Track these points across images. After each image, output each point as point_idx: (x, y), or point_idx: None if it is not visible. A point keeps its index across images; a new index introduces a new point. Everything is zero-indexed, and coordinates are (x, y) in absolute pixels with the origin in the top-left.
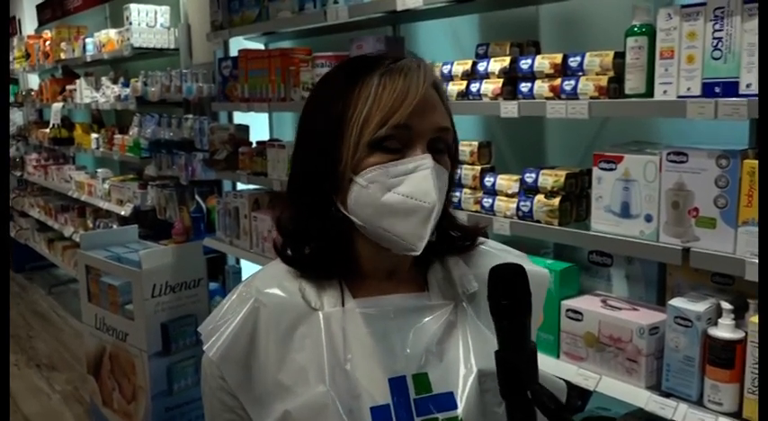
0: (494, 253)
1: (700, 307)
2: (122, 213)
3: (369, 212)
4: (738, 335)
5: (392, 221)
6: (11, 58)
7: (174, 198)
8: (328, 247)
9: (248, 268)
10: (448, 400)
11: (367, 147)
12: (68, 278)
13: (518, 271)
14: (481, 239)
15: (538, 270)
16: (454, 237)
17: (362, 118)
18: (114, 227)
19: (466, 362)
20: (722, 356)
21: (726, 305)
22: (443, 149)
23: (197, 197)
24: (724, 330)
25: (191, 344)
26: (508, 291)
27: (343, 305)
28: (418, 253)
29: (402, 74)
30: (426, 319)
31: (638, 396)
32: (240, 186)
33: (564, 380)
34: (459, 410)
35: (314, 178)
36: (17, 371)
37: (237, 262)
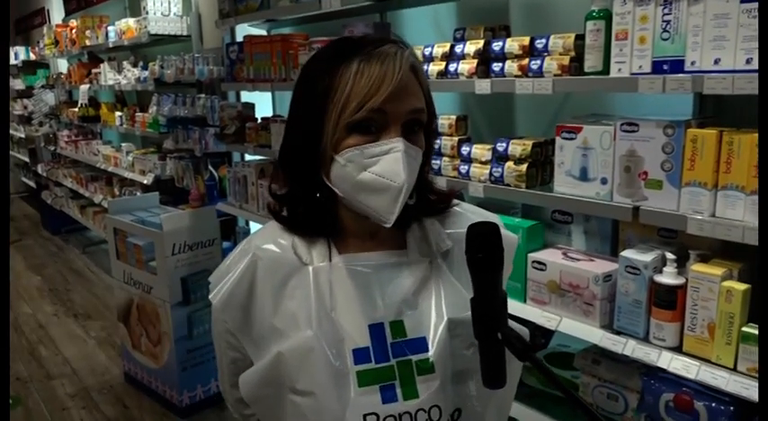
0: (467, 215)
1: (647, 257)
2: (145, 182)
3: (347, 187)
4: (680, 281)
5: (367, 196)
6: (41, 46)
7: (190, 168)
8: (316, 210)
9: (256, 228)
10: (420, 344)
11: (345, 129)
12: (100, 239)
13: (493, 229)
14: (456, 201)
15: (508, 234)
16: (431, 200)
17: (342, 102)
18: (138, 194)
19: (438, 311)
20: (666, 299)
21: (670, 255)
22: (418, 129)
23: (210, 167)
24: (668, 277)
25: (207, 295)
26: (484, 245)
27: (330, 260)
28: (390, 225)
29: (379, 61)
30: (404, 274)
31: (594, 334)
32: (248, 157)
33: (529, 321)
34: (431, 353)
35: (300, 152)
36: (57, 319)
37: (247, 223)
